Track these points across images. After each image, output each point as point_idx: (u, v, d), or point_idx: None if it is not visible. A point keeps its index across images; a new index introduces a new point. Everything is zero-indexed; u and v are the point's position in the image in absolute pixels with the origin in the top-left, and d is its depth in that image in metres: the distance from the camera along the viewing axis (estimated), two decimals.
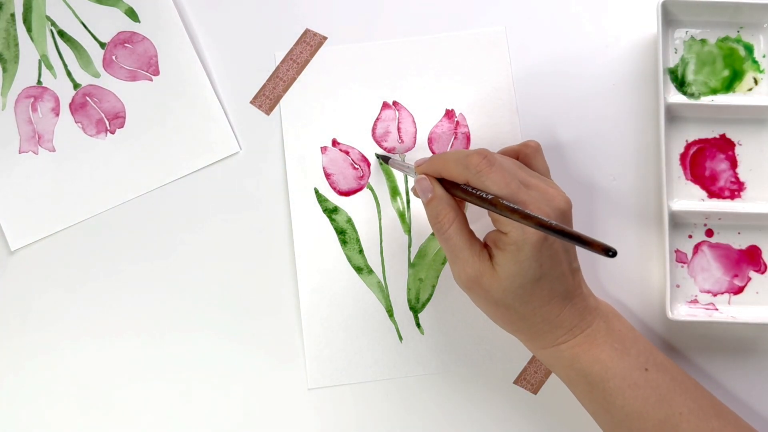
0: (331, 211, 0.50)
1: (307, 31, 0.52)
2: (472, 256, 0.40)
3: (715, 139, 0.49)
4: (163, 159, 0.51)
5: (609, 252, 0.31)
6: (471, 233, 0.41)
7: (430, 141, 0.50)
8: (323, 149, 0.51)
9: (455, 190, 0.41)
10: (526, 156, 0.45)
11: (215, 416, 0.48)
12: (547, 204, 0.39)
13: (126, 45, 0.52)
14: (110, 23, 0.52)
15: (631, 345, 0.41)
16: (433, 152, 0.50)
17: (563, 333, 0.41)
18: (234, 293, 0.49)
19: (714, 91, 0.49)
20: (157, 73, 0.52)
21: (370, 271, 0.49)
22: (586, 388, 0.41)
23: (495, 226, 0.40)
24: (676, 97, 0.49)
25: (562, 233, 0.34)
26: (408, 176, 0.50)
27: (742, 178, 0.49)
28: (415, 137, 0.51)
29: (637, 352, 0.41)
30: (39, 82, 0.52)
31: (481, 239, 0.42)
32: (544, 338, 0.41)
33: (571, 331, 0.41)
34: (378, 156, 0.50)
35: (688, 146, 0.49)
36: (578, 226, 0.49)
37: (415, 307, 0.49)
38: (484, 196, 0.39)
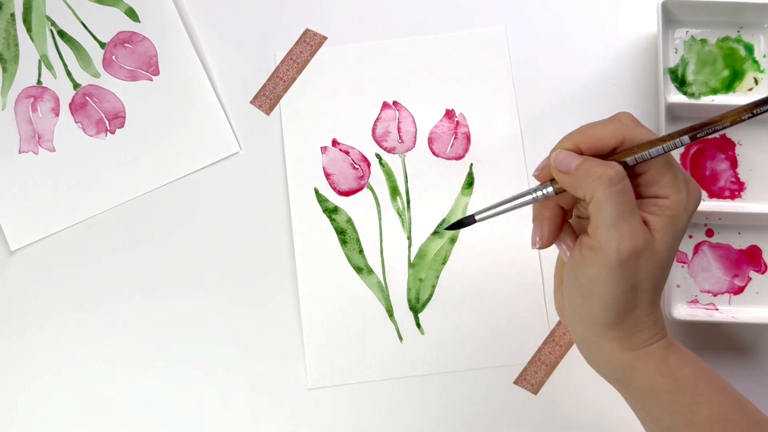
0: (331, 211, 0.50)
1: (307, 31, 0.52)
2: (641, 222, 0.34)
3: (715, 139, 0.49)
4: (163, 159, 0.51)
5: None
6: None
7: (430, 141, 0.50)
8: (323, 149, 0.51)
9: (611, 158, 0.35)
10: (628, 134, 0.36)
11: (216, 416, 0.48)
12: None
13: (126, 45, 0.52)
14: (110, 23, 0.52)
15: (697, 357, 0.38)
16: (433, 152, 0.50)
17: (657, 331, 0.37)
18: (234, 293, 0.49)
19: (714, 91, 0.49)
20: (157, 73, 0.52)
21: (370, 271, 0.49)
22: (671, 397, 0.37)
23: (651, 190, 0.35)
24: (676, 97, 0.49)
25: None
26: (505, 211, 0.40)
27: (742, 178, 0.49)
28: (415, 137, 0.51)
29: (705, 363, 0.38)
30: (39, 82, 0.52)
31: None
32: (641, 336, 0.36)
33: (661, 332, 0.37)
34: (451, 227, 0.40)
35: (688, 146, 0.49)
36: None
37: (415, 307, 0.49)
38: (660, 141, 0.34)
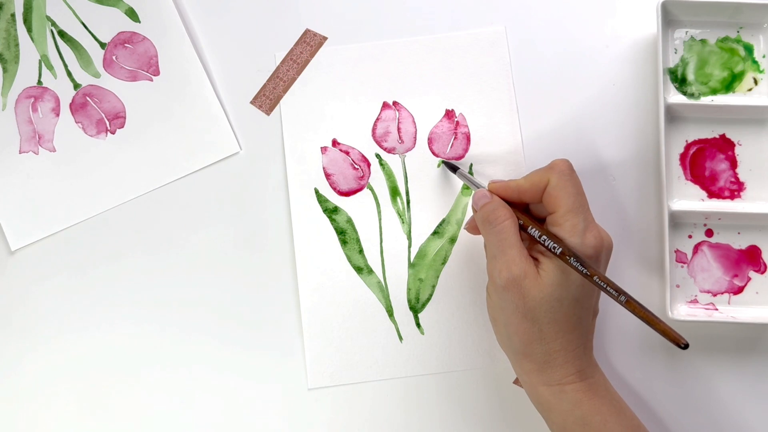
0: (331, 211, 0.50)
1: (307, 31, 0.52)
2: (521, 255, 0.39)
3: (715, 139, 0.49)
4: (163, 159, 0.51)
5: (681, 344, 0.36)
6: (520, 237, 0.41)
7: (430, 141, 0.51)
8: (323, 149, 0.51)
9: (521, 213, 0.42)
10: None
11: (215, 416, 0.48)
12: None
13: (126, 45, 0.52)
14: (110, 23, 0.52)
15: (625, 408, 0.41)
16: (433, 152, 0.50)
17: (573, 372, 0.40)
18: (234, 293, 0.49)
19: (714, 92, 0.49)
20: (157, 73, 0.52)
21: (370, 271, 0.49)
22: None
23: (552, 228, 0.40)
24: (676, 97, 0.49)
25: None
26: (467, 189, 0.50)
27: (741, 178, 0.49)
28: (415, 137, 0.51)
29: (630, 416, 0.41)
30: (39, 82, 0.52)
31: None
32: (554, 372, 0.40)
33: (579, 374, 0.40)
34: (445, 163, 0.49)
35: (688, 146, 0.49)
36: None
37: (415, 307, 0.49)
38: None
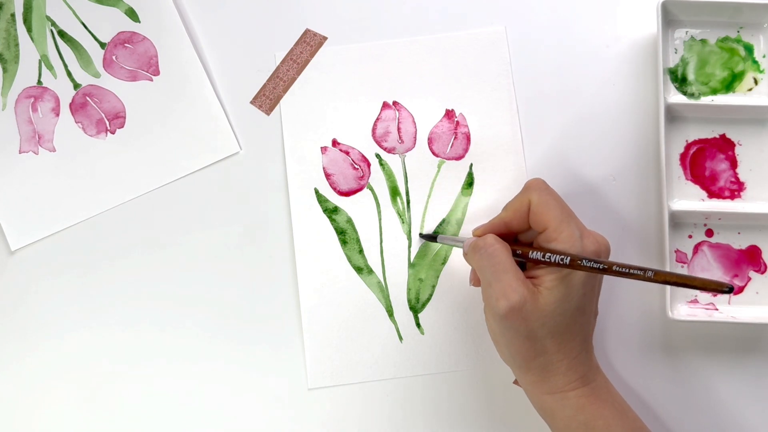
0: (331, 211, 0.50)
1: (307, 31, 0.52)
2: (517, 279, 0.38)
3: (715, 139, 0.49)
4: (163, 159, 0.51)
5: (724, 288, 0.34)
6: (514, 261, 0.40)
7: (430, 141, 0.51)
8: (323, 149, 0.51)
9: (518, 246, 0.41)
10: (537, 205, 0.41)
11: (215, 416, 0.48)
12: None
13: (126, 45, 0.52)
14: (110, 23, 0.52)
15: (627, 410, 0.41)
16: (433, 152, 0.50)
17: (575, 378, 0.40)
18: (234, 293, 0.49)
19: (714, 91, 0.49)
20: (157, 73, 0.52)
21: (370, 271, 0.49)
22: None
23: (548, 245, 0.39)
24: (676, 97, 0.49)
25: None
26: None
27: (742, 178, 0.49)
28: (415, 137, 0.51)
29: (633, 417, 0.41)
30: (39, 82, 0.52)
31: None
32: (556, 380, 0.40)
33: (581, 380, 0.40)
34: (422, 236, 0.49)
35: (688, 146, 0.49)
36: None
37: (415, 307, 0.49)
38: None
